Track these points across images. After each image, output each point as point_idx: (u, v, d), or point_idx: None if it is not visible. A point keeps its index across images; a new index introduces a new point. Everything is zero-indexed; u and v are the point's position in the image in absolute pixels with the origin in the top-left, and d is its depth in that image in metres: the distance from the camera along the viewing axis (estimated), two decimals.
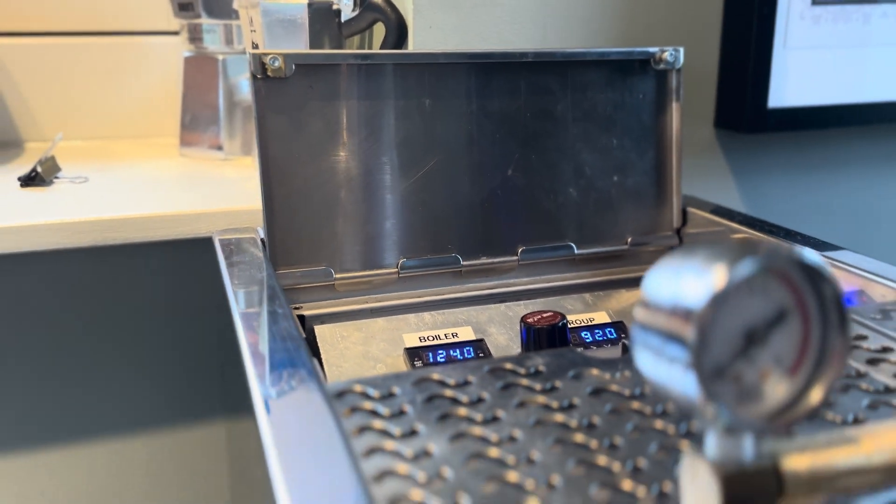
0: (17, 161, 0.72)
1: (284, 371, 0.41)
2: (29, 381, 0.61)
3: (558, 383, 0.41)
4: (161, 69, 0.84)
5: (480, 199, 0.61)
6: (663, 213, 0.66)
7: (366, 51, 0.77)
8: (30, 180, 0.63)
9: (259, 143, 0.54)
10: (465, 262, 0.60)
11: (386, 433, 0.36)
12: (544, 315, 0.54)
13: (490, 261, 0.61)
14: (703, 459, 0.22)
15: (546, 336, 0.52)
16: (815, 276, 0.22)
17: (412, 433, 0.36)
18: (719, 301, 0.20)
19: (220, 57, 0.76)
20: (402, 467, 0.33)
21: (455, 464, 0.33)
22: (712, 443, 0.22)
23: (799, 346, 0.22)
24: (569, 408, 0.38)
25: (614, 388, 0.40)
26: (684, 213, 0.68)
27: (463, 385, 0.41)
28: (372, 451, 0.34)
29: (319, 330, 0.55)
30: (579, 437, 0.36)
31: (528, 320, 0.53)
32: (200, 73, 0.77)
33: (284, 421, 0.36)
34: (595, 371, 0.42)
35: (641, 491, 0.30)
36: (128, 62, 0.83)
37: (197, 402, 0.65)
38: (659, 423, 0.36)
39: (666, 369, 0.22)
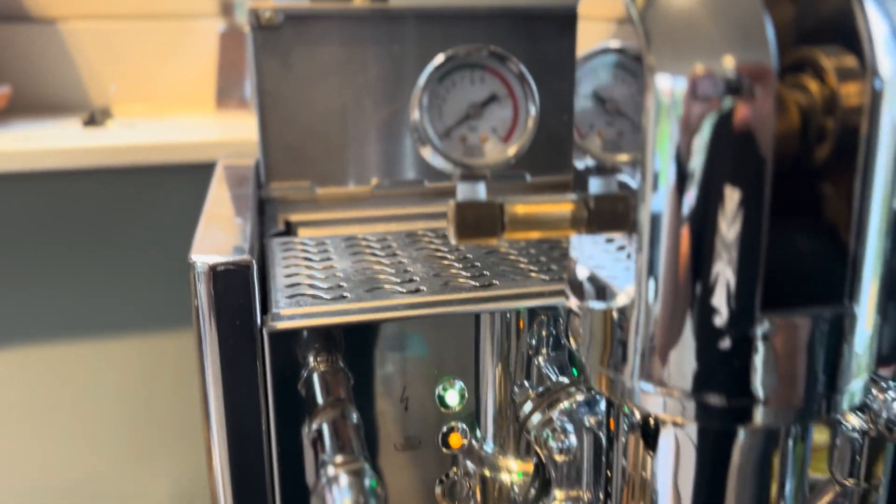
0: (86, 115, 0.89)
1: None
2: (67, 279, 0.75)
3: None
4: (205, 47, 1.00)
5: None
6: None
7: (346, 5, 0.90)
8: (89, 122, 0.79)
9: (256, 80, 0.67)
10: (429, 185, 0.71)
11: (308, 259, 0.48)
12: None
13: (452, 184, 0.72)
14: (452, 201, 0.33)
15: None
16: (520, 75, 0.32)
17: (327, 259, 0.47)
18: (432, 77, 0.31)
19: (248, 29, 0.91)
20: (308, 272, 0.45)
21: (349, 273, 0.45)
22: (458, 188, 0.33)
23: (510, 122, 0.33)
24: (458, 255, 0.49)
25: (503, 249, 0.51)
26: None
27: (382, 240, 0.52)
28: (291, 266, 0.46)
29: (302, 230, 0.68)
30: (451, 263, 0.47)
31: None
32: (232, 43, 0.91)
33: None
34: None
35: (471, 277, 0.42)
36: (177, 41, 0.98)
37: None
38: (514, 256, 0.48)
39: (427, 152, 0.33)
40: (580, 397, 0.40)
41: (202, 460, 0.77)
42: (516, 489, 0.44)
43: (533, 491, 0.42)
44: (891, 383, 0.40)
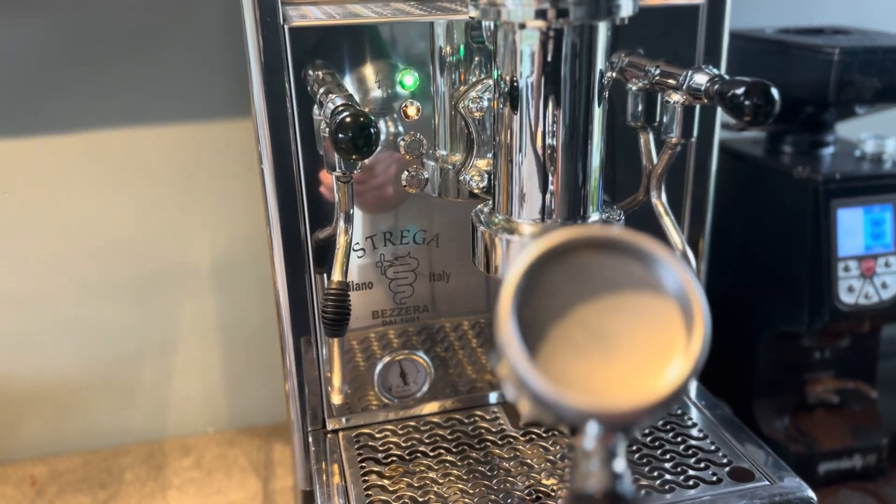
0: None
1: None
2: (129, 76, 0.93)
3: None
4: None
5: None
6: None
7: None
8: None
9: None
10: None
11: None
12: None
13: None
14: None
15: None
16: None
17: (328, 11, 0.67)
18: None
19: None
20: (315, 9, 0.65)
21: (343, 12, 0.65)
22: None
23: None
24: (424, 8, 0.69)
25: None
26: None
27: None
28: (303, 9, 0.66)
29: None
30: (415, 8, 0.66)
31: None
32: None
33: None
34: None
35: None
36: None
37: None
38: None
39: None
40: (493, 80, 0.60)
41: (236, 224, 0.99)
42: (455, 165, 0.64)
43: (462, 158, 0.63)
44: (711, 68, 0.60)
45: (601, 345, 0.34)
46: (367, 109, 0.61)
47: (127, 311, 1.02)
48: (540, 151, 0.50)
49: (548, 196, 0.51)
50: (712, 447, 0.65)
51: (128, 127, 0.94)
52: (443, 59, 0.63)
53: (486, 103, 0.60)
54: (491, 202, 0.57)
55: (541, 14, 0.46)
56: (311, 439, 0.67)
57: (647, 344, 0.34)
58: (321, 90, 0.56)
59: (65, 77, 0.90)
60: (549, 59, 0.48)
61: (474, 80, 0.62)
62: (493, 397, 0.72)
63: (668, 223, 0.64)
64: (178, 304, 1.03)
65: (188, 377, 1.07)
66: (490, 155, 0.63)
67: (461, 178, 0.63)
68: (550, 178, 0.51)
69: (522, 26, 0.47)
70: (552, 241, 0.34)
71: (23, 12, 0.87)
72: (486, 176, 0.62)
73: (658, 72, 0.62)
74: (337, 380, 0.61)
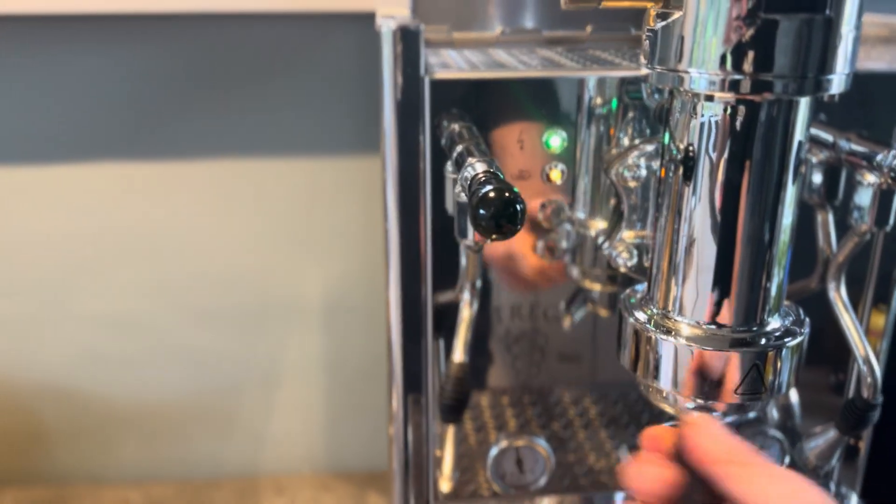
0: None
1: None
2: (250, 109, 0.91)
3: None
4: None
5: None
6: None
7: None
8: None
9: None
10: (546, 33, 0.84)
11: (450, 53, 0.62)
12: None
13: (564, 34, 0.84)
14: None
15: None
16: None
17: (465, 57, 0.62)
18: None
19: None
20: (452, 58, 0.59)
21: (484, 60, 0.59)
22: None
23: None
24: (569, 57, 0.62)
25: (602, 54, 0.63)
26: None
27: (508, 50, 0.66)
28: (441, 57, 0.60)
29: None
30: (560, 58, 0.60)
31: None
32: None
33: None
34: None
35: None
36: None
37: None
38: None
39: None
40: (652, 146, 0.53)
41: (350, 262, 0.95)
42: (598, 233, 0.57)
43: (607, 228, 0.56)
44: None
45: None
46: (505, 173, 0.54)
47: (232, 342, 0.99)
48: (716, 237, 0.42)
49: (720, 294, 0.43)
50: None
51: (248, 157, 0.91)
52: (591, 114, 0.56)
53: (643, 172, 0.52)
54: (645, 287, 0.49)
55: (733, 86, 0.38)
56: None
57: None
58: (458, 148, 0.50)
59: (189, 104, 0.89)
60: (738, 133, 0.40)
61: (626, 138, 0.55)
62: (618, 498, 0.64)
63: (848, 322, 0.55)
64: (285, 338, 1.00)
65: (288, 413, 1.04)
66: (640, 227, 0.55)
67: (606, 251, 0.55)
68: (726, 271, 0.43)
69: (709, 98, 0.40)
70: None
71: (153, 37, 0.86)
72: (634, 252, 0.54)
73: (849, 147, 0.53)
74: (448, 466, 0.55)
